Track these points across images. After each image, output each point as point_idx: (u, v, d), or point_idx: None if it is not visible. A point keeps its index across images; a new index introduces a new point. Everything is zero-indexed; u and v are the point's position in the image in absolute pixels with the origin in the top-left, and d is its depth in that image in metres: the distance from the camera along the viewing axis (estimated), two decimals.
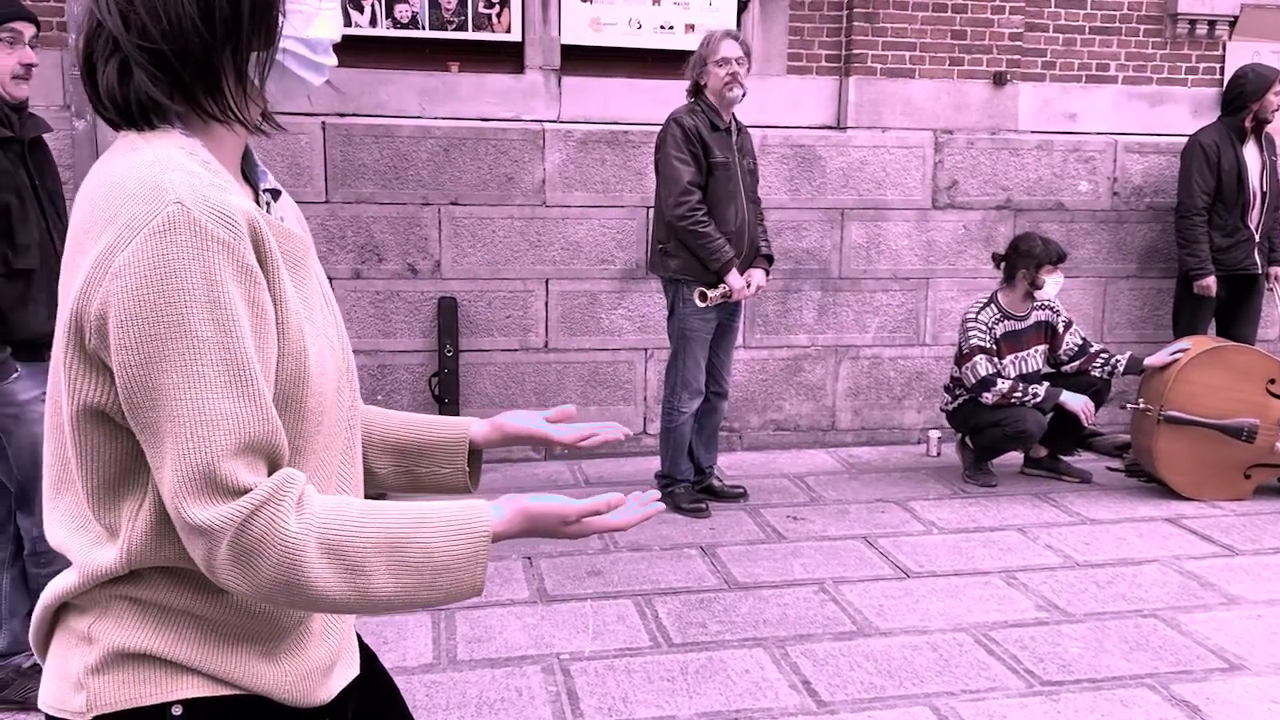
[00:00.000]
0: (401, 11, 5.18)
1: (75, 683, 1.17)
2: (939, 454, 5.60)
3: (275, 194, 1.29)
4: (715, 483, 4.86)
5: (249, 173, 1.28)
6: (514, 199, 5.28)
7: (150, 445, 1.08)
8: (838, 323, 5.73)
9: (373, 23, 5.16)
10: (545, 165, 5.30)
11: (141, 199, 1.08)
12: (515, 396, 5.39)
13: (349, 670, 1.33)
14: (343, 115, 5.12)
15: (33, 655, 3.06)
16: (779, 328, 5.65)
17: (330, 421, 1.23)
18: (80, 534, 1.17)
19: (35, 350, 2.87)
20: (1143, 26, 5.89)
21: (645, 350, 5.54)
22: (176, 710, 1.16)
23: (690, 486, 4.76)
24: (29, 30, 2.81)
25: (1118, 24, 5.87)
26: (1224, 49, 5.99)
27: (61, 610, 1.22)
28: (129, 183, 1.10)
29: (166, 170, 1.10)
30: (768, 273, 4.75)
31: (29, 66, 2.81)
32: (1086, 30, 5.85)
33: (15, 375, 2.81)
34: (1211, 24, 5.92)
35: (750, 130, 4.69)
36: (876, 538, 4.43)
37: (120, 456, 1.13)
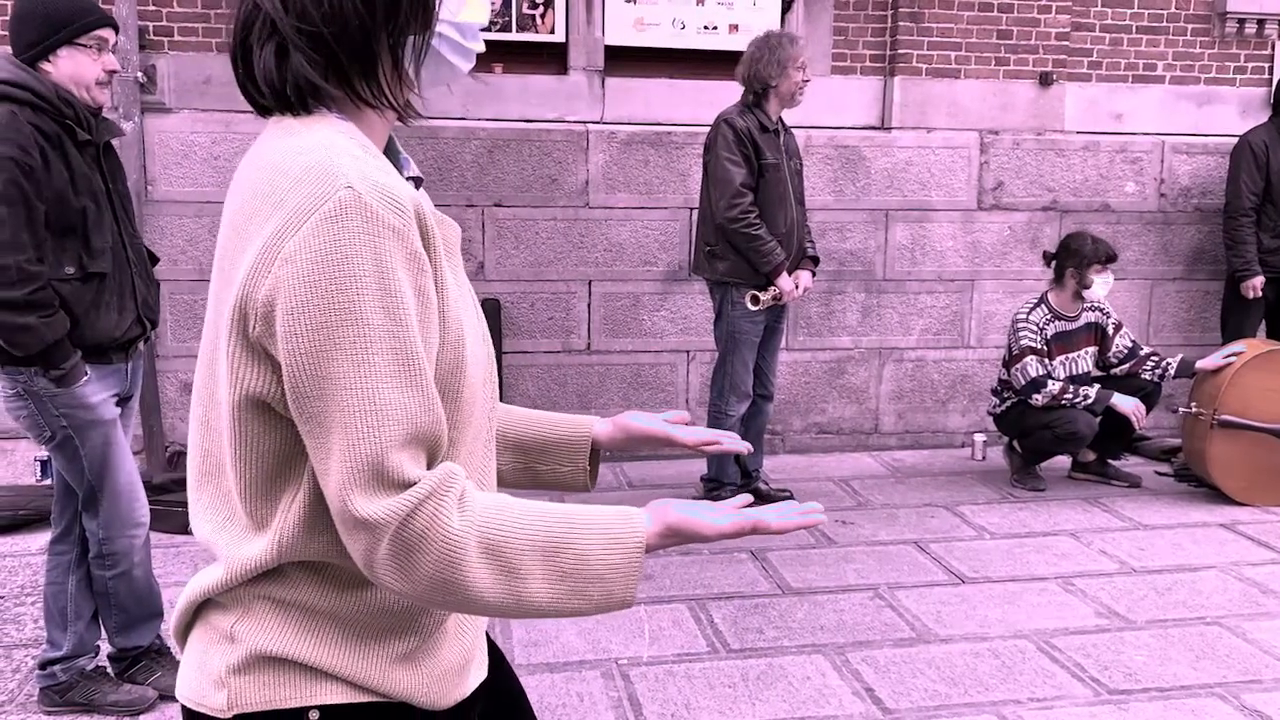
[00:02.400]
0: None
1: (216, 680, 1.17)
2: (984, 458, 5.54)
3: (418, 182, 1.27)
4: (761, 486, 4.82)
5: (393, 159, 1.25)
6: (557, 200, 5.26)
7: (315, 436, 1.06)
8: (881, 325, 5.68)
9: None
10: (589, 166, 5.27)
11: (310, 183, 1.05)
12: (557, 398, 5.37)
13: (480, 671, 1.31)
14: None
15: (95, 657, 3.06)
16: (822, 330, 5.61)
17: (478, 413, 1.21)
18: (227, 527, 1.16)
19: (103, 354, 2.87)
20: (1190, 26, 5.82)
21: (687, 352, 5.51)
22: (314, 715, 1.15)
23: (736, 489, 4.73)
24: (112, 37, 2.82)
25: (1165, 23, 5.80)
26: (1273, 48, 5.91)
27: (204, 605, 1.21)
28: (294, 167, 1.07)
29: (333, 154, 1.08)
30: (813, 274, 4.72)
31: (112, 73, 2.82)
32: (1134, 30, 5.78)
33: (85, 379, 2.80)
34: (1261, 23, 5.85)
35: (794, 131, 4.66)
36: (928, 543, 4.38)
37: (279, 447, 1.11)
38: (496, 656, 1.43)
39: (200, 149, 4.98)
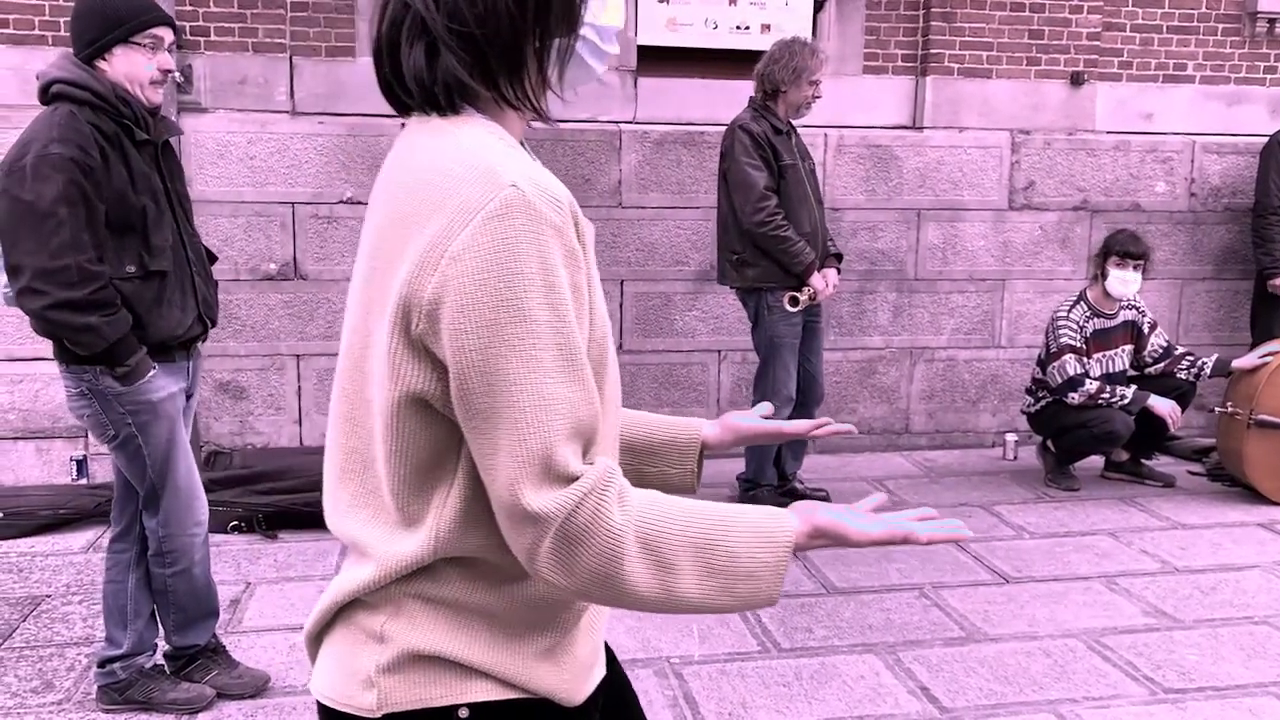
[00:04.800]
0: None
1: (365, 680, 1.16)
2: (1016, 458, 5.54)
3: None
4: (798, 486, 4.83)
5: None
6: (590, 200, 5.26)
7: (480, 432, 1.06)
8: (913, 324, 5.68)
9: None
10: (621, 166, 5.27)
11: (474, 182, 1.06)
12: None
13: (602, 668, 1.32)
14: None
15: (153, 655, 3.06)
16: (853, 329, 5.61)
17: (612, 409, 1.22)
18: (375, 525, 1.16)
19: (167, 351, 2.87)
20: (1220, 25, 5.82)
21: (719, 352, 5.51)
22: (463, 713, 1.15)
23: (773, 490, 4.72)
24: (169, 36, 2.80)
25: (1195, 23, 5.80)
26: None
27: (347, 606, 1.20)
28: (454, 166, 1.08)
29: (492, 153, 1.09)
30: (839, 270, 4.72)
31: (167, 72, 2.81)
32: (1164, 29, 5.78)
33: (152, 373, 2.80)
34: None
35: (826, 130, 4.66)
36: (968, 542, 4.38)
37: (434, 444, 1.12)
38: (609, 653, 1.44)
39: (236, 149, 4.99)
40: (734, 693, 3.14)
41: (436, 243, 1.05)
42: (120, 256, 2.76)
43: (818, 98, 4.51)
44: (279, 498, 4.49)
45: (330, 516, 1.23)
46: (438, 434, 1.11)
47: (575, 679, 1.23)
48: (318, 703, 1.23)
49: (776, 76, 4.45)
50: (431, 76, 1.13)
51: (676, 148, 5.33)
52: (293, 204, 5.07)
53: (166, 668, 3.08)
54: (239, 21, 4.94)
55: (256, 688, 3.07)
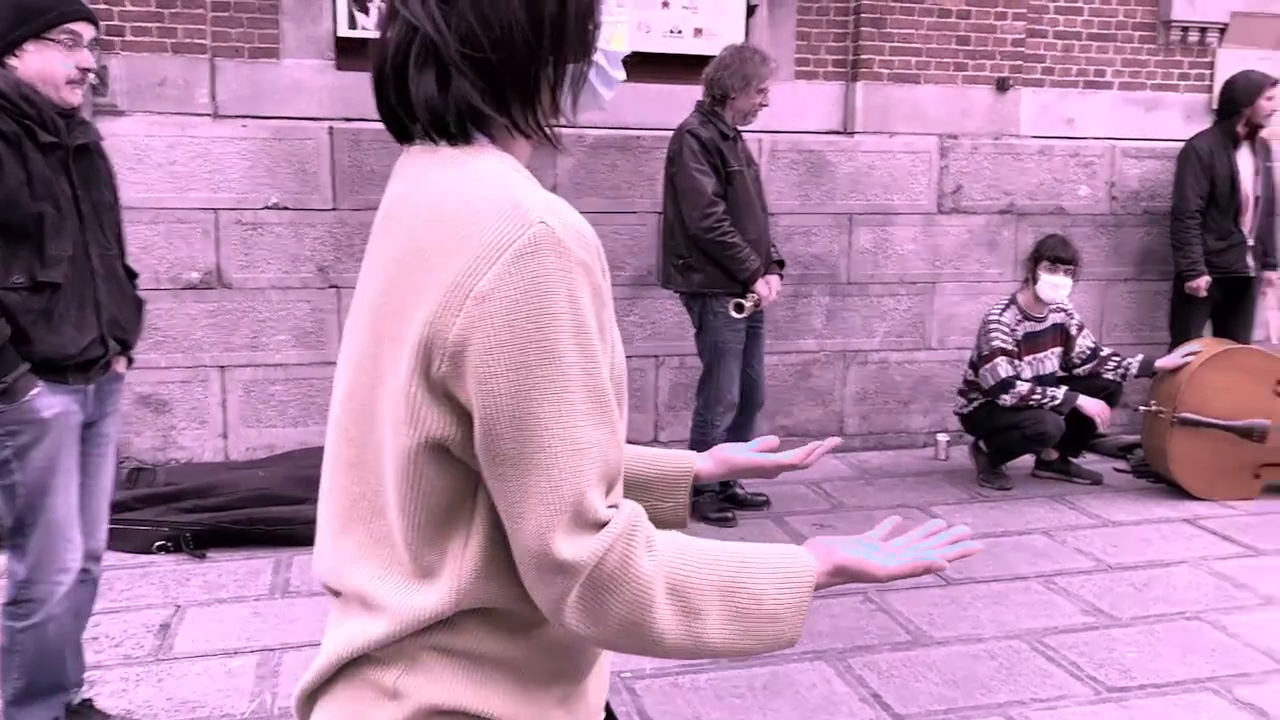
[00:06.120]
0: None
1: None
2: (948, 458, 5.62)
3: None
4: (739, 491, 4.82)
5: None
6: None
7: (507, 479, 1.01)
8: (846, 328, 5.72)
9: (379, 25, 5.04)
10: (556, 171, 5.21)
11: (499, 217, 1.00)
12: None
13: (603, 710, 1.27)
14: (349, 120, 4.99)
15: None
16: (789, 333, 5.63)
17: (623, 445, 1.17)
18: (387, 576, 1.09)
19: (59, 372, 2.62)
20: (1138, 33, 5.98)
21: (656, 358, 5.48)
22: None
23: (715, 496, 4.71)
24: (89, 32, 2.62)
25: (1113, 30, 5.95)
26: (1214, 56, 6.10)
27: (353, 662, 1.12)
28: (476, 200, 1.03)
29: (514, 188, 1.03)
30: (782, 277, 4.73)
31: (86, 71, 2.63)
32: (1084, 37, 5.92)
33: (35, 391, 2.56)
34: (1203, 31, 6.03)
35: (760, 135, 4.66)
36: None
37: (451, 491, 1.06)
38: None
39: (155, 153, 4.80)
40: (687, 706, 3.11)
41: (461, 281, 0.99)
42: (8, 265, 2.53)
43: (765, 105, 4.51)
44: (206, 515, 4.32)
45: (329, 567, 1.16)
46: (456, 481, 1.06)
47: None
48: None
49: (726, 83, 4.43)
50: (444, 103, 1.07)
51: (612, 152, 5.29)
52: (216, 210, 4.90)
53: None
54: (156, 21, 4.75)
55: None
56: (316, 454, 4.96)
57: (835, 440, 1.56)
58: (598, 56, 1.15)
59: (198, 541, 4.20)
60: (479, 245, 1.00)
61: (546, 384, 0.99)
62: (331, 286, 5.04)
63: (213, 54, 4.86)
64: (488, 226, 1.00)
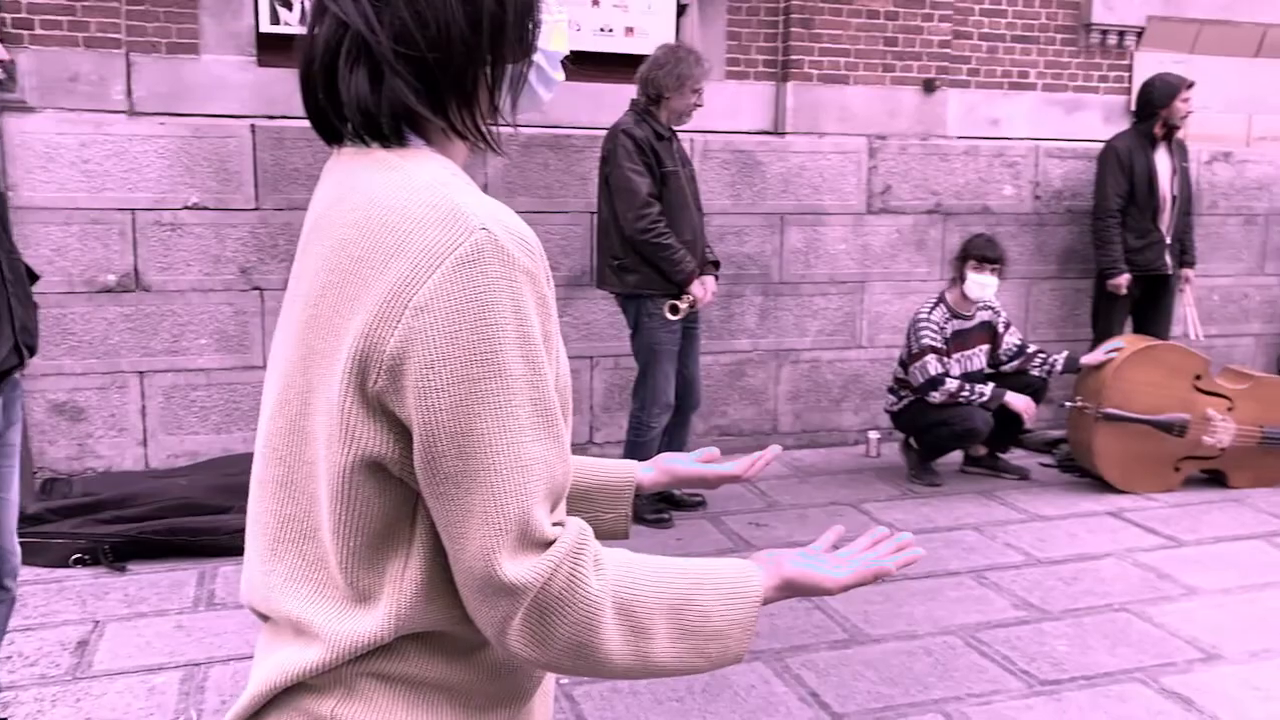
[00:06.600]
0: None
1: None
2: (879, 455, 5.67)
3: None
4: (674, 492, 4.80)
5: None
6: None
7: (448, 498, 0.96)
8: (778, 327, 5.74)
9: (304, 21, 4.92)
10: (487, 170, 5.14)
11: (438, 224, 0.95)
12: None
13: None
14: (272, 118, 4.87)
15: None
16: (723, 333, 5.63)
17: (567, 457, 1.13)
18: (321, 601, 1.04)
19: None
20: (1059, 36, 6.10)
21: (590, 359, 5.44)
22: None
23: (651, 497, 4.69)
24: None
25: (1036, 33, 6.06)
26: (1131, 59, 6.25)
27: (287, 691, 1.06)
28: (412, 205, 0.97)
29: (454, 192, 0.98)
30: (717, 278, 4.73)
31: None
32: (1008, 38, 6.01)
33: None
34: (1121, 34, 6.18)
35: (692, 135, 4.65)
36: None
37: (387, 511, 1.01)
38: None
39: (67, 151, 4.63)
40: (627, 712, 3.08)
41: (398, 291, 0.94)
42: None
43: (700, 105, 4.50)
44: (126, 526, 4.17)
45: (257, 593, 1.10)
46: (393, 500, 1.01)
47: None
48: None
49: (660, 82, 4.40)
50: (376, 103, 1.02)
51: (543, 151, 5.24)
52: (133, 210, 4.74)
53: None
54: (68, 14, 4.58)
55: None
56: (241, 461, 4.84)
57: (777, 449, 1.53)
58: (537, 57, 1.11)
59: (117, 554, 4.05)
60: (417, 253, 0.95)
61: (490, 398, 0.95)
62: (254, 288, 4.91)
63: (128, 49, 4.70)
64: (426, 233, 0.95)
